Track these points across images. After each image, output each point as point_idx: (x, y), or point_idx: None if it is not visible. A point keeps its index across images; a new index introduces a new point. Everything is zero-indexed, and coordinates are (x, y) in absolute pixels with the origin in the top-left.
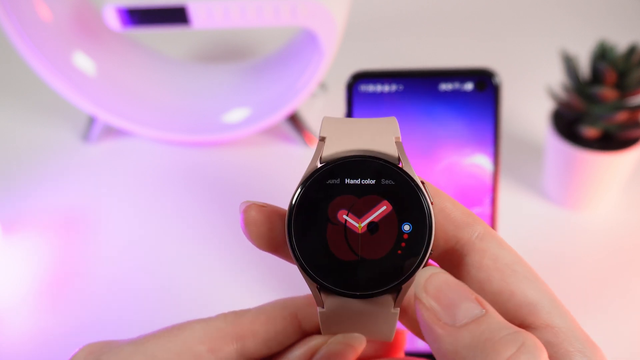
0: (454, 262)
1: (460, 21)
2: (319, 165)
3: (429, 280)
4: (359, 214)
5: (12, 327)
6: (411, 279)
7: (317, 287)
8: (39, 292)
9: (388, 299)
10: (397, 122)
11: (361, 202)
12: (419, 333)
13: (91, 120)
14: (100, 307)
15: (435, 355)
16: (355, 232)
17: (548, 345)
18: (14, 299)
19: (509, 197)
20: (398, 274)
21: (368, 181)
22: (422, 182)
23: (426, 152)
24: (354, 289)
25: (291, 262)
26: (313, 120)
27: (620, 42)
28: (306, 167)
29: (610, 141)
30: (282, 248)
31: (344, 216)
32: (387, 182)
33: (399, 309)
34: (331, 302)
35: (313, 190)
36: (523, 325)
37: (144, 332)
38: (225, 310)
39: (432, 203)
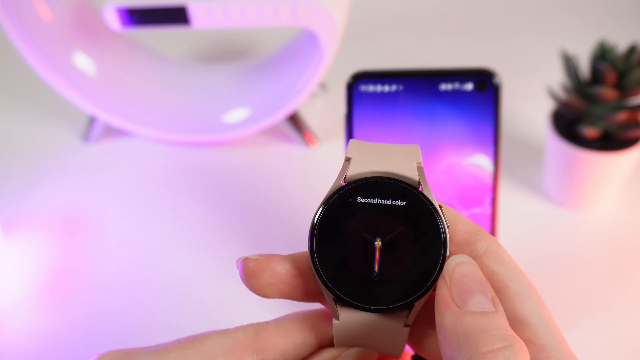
0: None
1: (460, 21)
2: (343, 184)
3: (459, 266)
4: (378, 233)
5: (12, 327)
6: (424, 297)
7: (333, 299)
8: (39, 292)
9: (400, 315)
10: (419, 148)
11: (381, 222)
12: (423, 352)
13: (91, 120)
14: (100, 307)
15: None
16: (373, 249)
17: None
18: (14, 299)
19: (509, 197)
20: (411, 291)
21: (388, 202)
22: (440, 206)
23: (426, 152)
24: (369, 303)
25: (299, 300)
26: (313, 120)
27: (620, 42)
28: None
29: (610, 141)
30: (286, 291)
31: (364, 233)
32: (406, 203)
33: (409, 326)
34: (346, 314)
35: (336, 207)
36: None
37: (143, 331)
38: (226, 312)
39: (448, 226)
